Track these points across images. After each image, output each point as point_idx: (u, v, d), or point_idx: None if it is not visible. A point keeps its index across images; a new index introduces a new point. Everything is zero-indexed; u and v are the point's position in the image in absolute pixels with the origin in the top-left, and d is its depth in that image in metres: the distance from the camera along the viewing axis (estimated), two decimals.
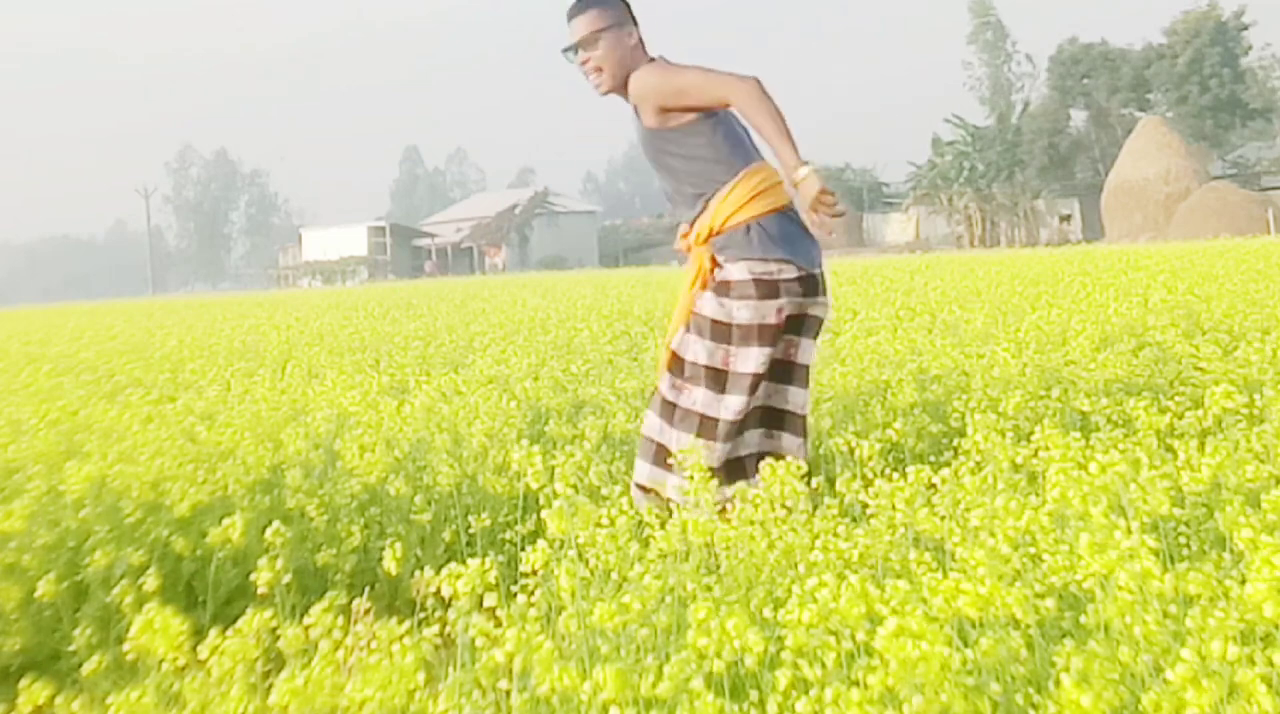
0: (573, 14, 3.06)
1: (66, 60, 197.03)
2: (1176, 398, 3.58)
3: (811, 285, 2.98)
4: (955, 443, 2.98)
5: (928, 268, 15.89)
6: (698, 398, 2.94)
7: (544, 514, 2.06)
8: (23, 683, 1.75)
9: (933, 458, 3.63)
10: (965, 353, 4.90)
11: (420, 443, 3.85)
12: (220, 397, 5.24)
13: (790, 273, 2.92)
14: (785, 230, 2.96)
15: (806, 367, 3.08)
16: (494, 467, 3.59)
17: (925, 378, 4.45)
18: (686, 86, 2.94)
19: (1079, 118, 53.85)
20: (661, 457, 2.95)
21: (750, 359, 2.91)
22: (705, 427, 2.91)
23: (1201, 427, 2.93)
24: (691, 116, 2.97)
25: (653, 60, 3.06)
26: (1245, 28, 50.34)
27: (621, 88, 3.06)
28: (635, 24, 3.08)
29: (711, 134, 2.98)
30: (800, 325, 3.01)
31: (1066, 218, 53.01)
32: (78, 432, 3.95)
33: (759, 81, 2.86)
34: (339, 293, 29.54)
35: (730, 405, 2.92)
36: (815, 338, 3.09)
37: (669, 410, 2.99)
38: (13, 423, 4.10)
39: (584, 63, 3.05)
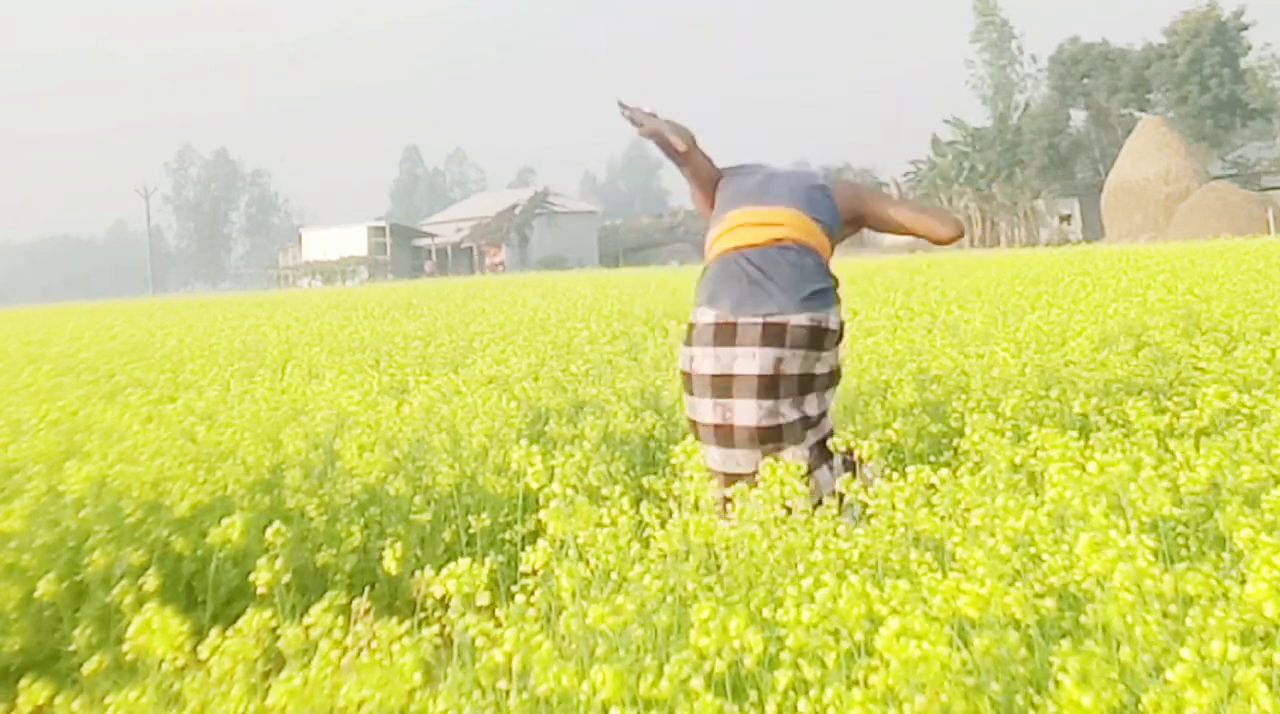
0: None
1: (66, 60, 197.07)
2: (1176, 398, 3.58)
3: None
4: (955, 443, 2.98)
5: (928, 268, 15.87)
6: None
7: (542, 514, 2.06)
8: (23, 683, 1.75)
9: (932, 458, 3.63)
10: (965, 353, 4.90)
11: (420, 443, 3.85)
12: (220, 397, 5.24)
13: None
14: None
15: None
16: (494, 467, 3.59)
17: (925, 378, 4.45)
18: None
19: (1079, 118, 53.84)
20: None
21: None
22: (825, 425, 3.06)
23: (1200, 427, 2.93)
24: None
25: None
26: (1245, 28, 50.36)
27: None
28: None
29: None
30: None
31: (1066, 218, 52.99)
32: (78, 432, 3.95)
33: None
34: (339, 293, 29.53)
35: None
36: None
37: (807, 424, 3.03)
38: (13, 423, 4.10)
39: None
